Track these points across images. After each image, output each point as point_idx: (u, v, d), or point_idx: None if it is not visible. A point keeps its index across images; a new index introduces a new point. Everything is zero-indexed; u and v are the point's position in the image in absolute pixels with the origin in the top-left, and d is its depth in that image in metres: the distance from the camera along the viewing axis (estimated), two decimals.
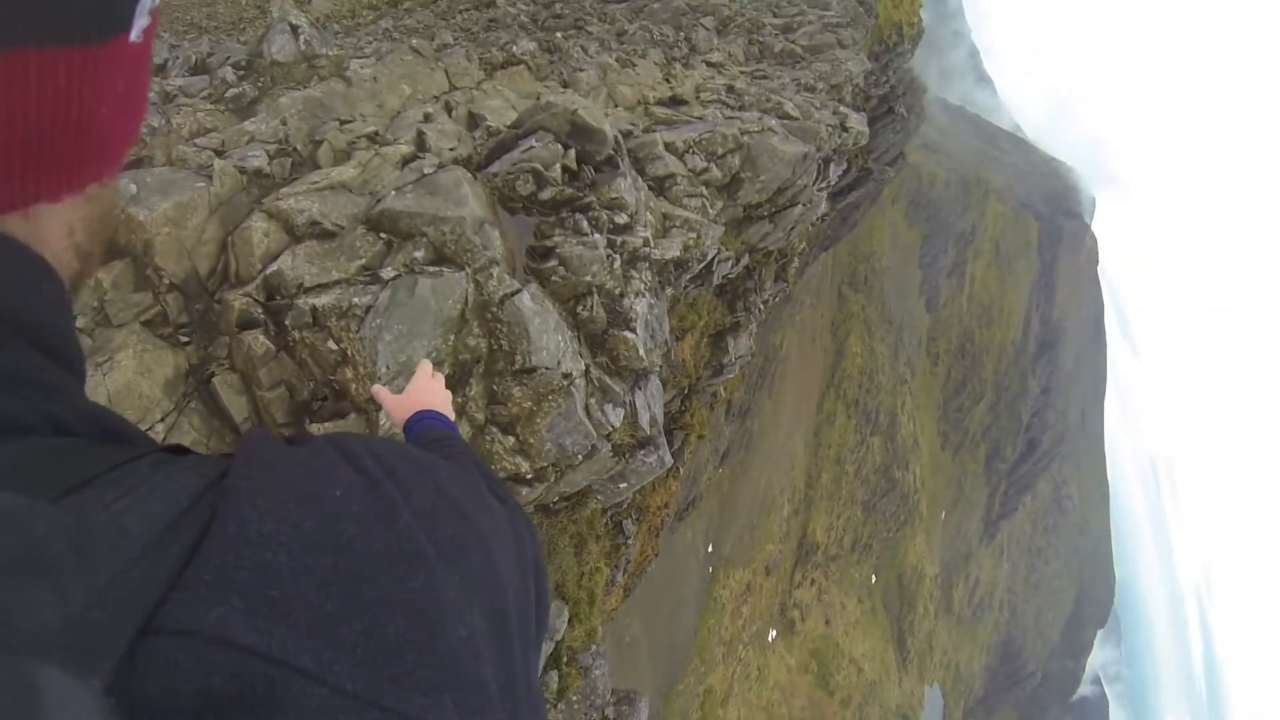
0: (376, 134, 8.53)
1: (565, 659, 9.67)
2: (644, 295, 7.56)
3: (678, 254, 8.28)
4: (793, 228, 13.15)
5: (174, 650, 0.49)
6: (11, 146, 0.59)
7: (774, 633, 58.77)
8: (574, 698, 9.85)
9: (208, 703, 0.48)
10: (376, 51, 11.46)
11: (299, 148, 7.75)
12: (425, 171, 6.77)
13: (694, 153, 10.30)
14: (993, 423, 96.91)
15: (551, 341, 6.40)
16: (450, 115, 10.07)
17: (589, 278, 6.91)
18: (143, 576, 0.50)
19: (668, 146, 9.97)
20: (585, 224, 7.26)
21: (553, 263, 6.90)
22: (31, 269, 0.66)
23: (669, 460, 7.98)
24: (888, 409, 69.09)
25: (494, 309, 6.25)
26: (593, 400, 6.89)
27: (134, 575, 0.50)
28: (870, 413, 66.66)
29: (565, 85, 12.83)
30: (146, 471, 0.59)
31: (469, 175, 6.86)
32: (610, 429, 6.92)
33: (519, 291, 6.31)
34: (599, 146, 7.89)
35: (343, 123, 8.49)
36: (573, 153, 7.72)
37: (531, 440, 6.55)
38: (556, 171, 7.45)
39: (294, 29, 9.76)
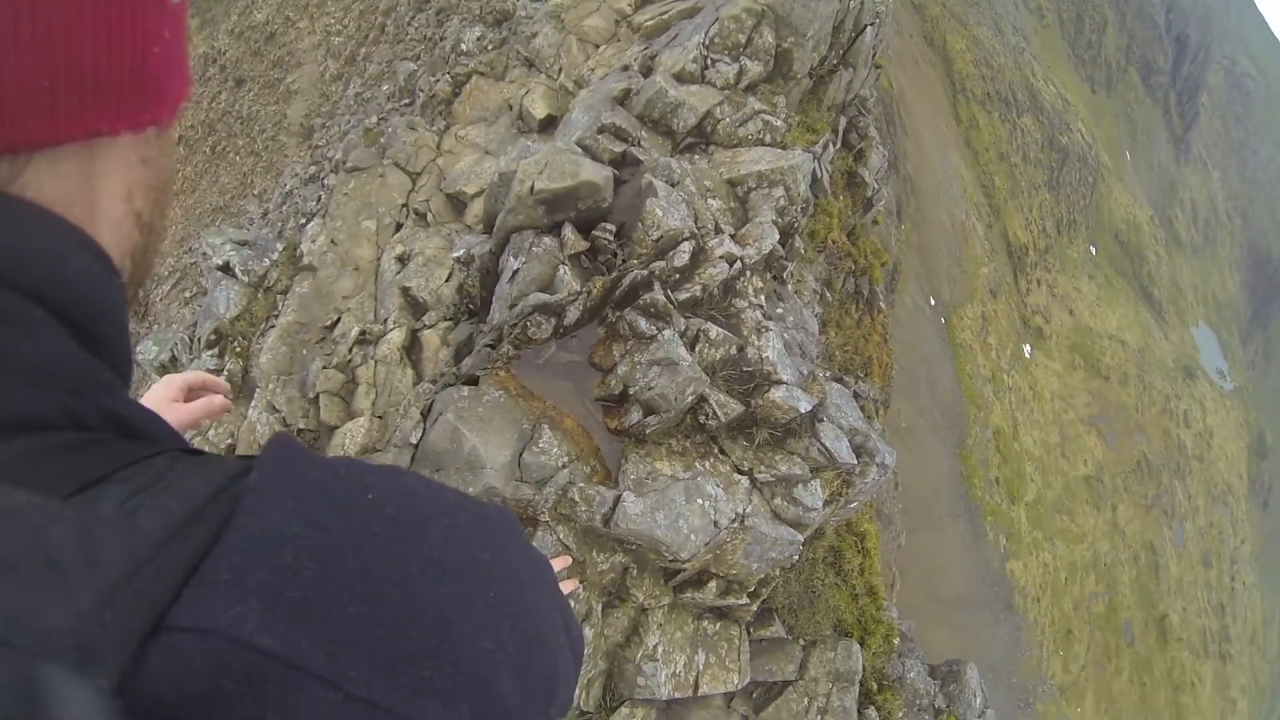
0: (364, 333, 8.58)
1: (875, 688, 8.53)
2: (767, 324, 6.80)
3: (773, 243, 7.26)
4: (874, 52, 11.87)
5: (187, 648, 0.47)
6: (70, 72, 0.57)
7: (1028, 347, 56.30)
8: (900, 714, 8.69)
9: (220, 703, 0.47)
10: (324, 198, 11.30)
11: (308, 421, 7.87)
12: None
13: (715, 58, 9.02)
14: (1129, 41, 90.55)
15: (695, 515, 5.85)
16: (424, 220, 10.09)
17: (689, 392, 6.10)
18: (155, 574, 0.49)
19: (681, 75, 8.85)
20: (642, 321, 6.29)
21: (634, 416, 6.07)
22: (66, 238, 0.62)
23: (891, 461, 7.48)
24: (1021, 84, 64.03)
25: (605, 529, 5.71)
26: (778, 502, 6.42)
27: (146, 573, 0.48)
28: (1006, 97, 61.77)
29: (530, 64, 12.43)
30: (162, 468, 0.58)
31: (493, 394, 6.12)
32: (809, 510, 6.41)
33: (619, 500, 5.74)
34: (597, 194, 6.77)
35: (327, 335, 8.57)
36: (569, 230, 6.63)
37: (733, 572, 6.28)
38: (566, 279, 6.29)
39: (228, 271, 9.56)
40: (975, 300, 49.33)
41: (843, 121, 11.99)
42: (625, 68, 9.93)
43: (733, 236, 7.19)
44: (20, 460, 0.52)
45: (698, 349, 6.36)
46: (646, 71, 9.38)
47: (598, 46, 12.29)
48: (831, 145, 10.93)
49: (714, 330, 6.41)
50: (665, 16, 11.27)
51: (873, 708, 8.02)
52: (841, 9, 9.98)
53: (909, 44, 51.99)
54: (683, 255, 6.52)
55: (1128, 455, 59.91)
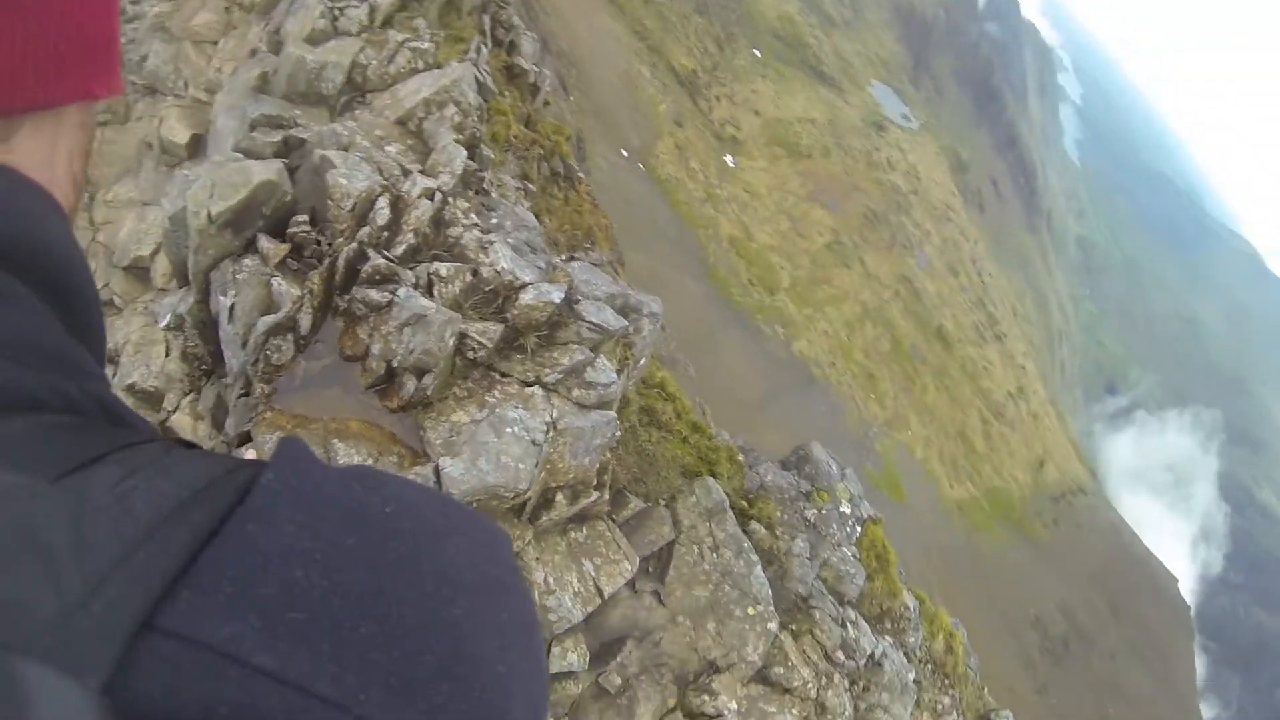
0: None
1: (746, 505, 8.45)
2: (489, 238, 6.64)
3: (463, 161, 7.19)
4: None
5: (178, 656, 0.44)
6: (75, 39, 0.61)
7: (729, 158, 59.62)
8: (778, 514, 8.59)
9: None
10: None
11: None
12: None
13: (341, 6, 8.94)
14: None
15: (513, 445, 5.91)
16: (113, 307, 9.18)
17: (447, 336, 5.97)
18: (147, 562, 0.46)
19: (313, 37, 8.66)
20: (372, 292, 6.14)
21: (409, 385, 5.93)
22: (45, 204, 0.63)
23: (658, 307, 7.45)
24: None
25: None
26: (577, 393, 6.49)
27: (138, 561, 0.45)
28: None
29: (152, 91, 11.67)
30: (158, 453, 0.56)
31: None
32: (607, 386, 6.53)
33: (438, 471, 5.72)
34: (276, 192, 6.52)
35: None
36: (264, 241, 6.38)
37: (570, 476, 6.42)
38: (283, 290, 6.05)
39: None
40: (664, 136, 51.57)
41: (486, 20, 11.56)
42: (253, 52, 9.34)
43: (422, 171, 7.02)
44: (9, 440, 0.50)
45: (436, 291, 6.15)
46: (277, 48, 8.90)
47: (216, 43, 11.37)
48: (483, 46, 10.35)
49: (443, 267, 6.22)
50: None
51: (754, 522, 8.07)
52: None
53: None
54: (383, 212, 6.30)
55: (854, 213, 65.22)
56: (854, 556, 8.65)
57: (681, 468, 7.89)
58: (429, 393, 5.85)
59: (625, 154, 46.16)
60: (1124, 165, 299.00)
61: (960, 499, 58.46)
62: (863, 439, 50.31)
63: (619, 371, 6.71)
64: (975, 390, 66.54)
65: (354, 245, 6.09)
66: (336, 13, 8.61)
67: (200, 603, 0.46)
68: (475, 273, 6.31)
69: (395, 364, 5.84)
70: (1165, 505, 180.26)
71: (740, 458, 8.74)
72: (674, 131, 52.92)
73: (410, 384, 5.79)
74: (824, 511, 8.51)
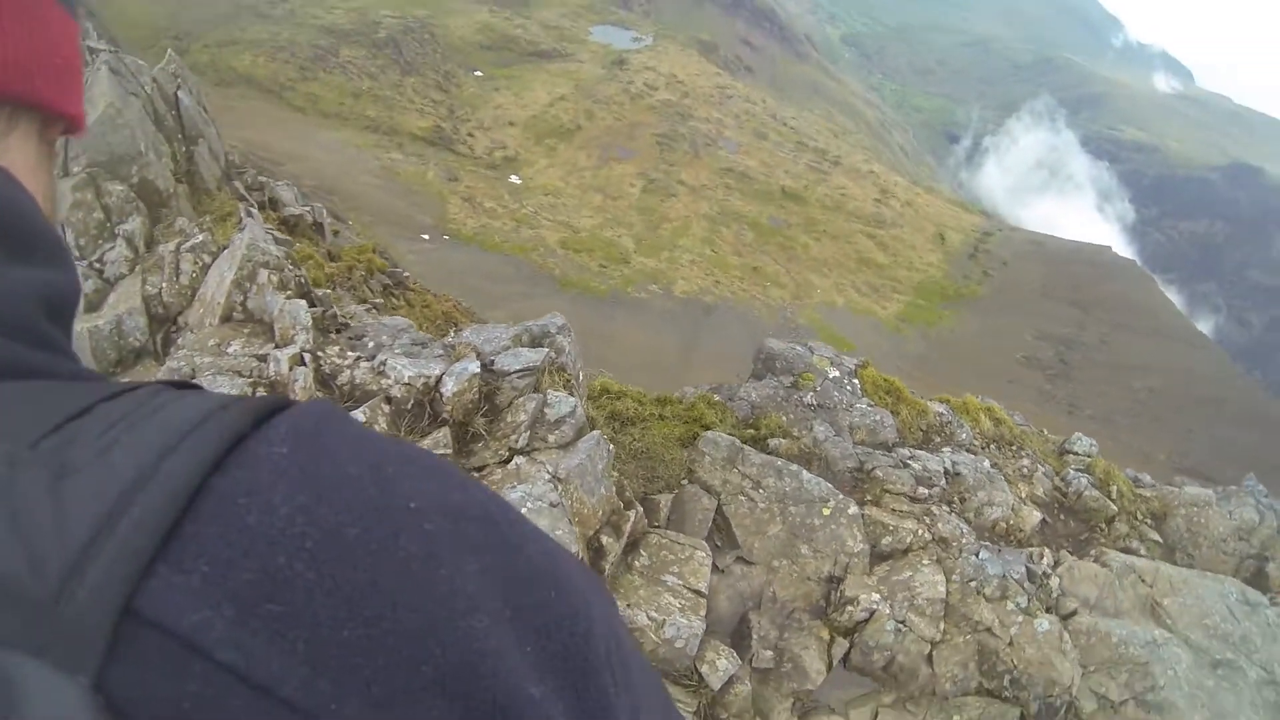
0: None
1: (757, 430, 7.95)
2: None
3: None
4: (203, 108, 10.93)
5: (146, 644, 0.40)
6: (66, 59, 0.66)
7: (513, 176, 58.62)
8: (789, 430, 8.10)
9: None
10: None
11: None
12: None
13: (90, 267, 8.12)
14: None
15: None
16: None
17: None
18: (129, 533, 0.41)
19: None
20: None
21: None
22: (35, 207, 0.64)
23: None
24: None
25: None
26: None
27: (121, 529, 0.41)
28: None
29: None
30: (146, 396, 0.51)
31: None
32: None
33: None
34: None
35: None
36: None
37: None
38: None
39: None
40: (449, 198, 50.33)
41: (238, 187, 11.12)
42: None
43: (276, 346, 6.68)
44: None
45: None
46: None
47: None
48: (252, 210, 9.99)
49: (359, 414, 5.84)
50: None
51: (770, 439, 7.75)
52: (139, 99, 9.02)
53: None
54: None
55: (648, 148, 65.06)
56: (870, 405, 8.47)
57: (678, 441, 7.60)
58: None
59: (426, 237, 44.97)
60: None
61: (898, 311, 59.01)
62: (786, 324, 50.13)
63: (571, 394, 6.43)
64: (847, 218, 67.08)
65: None
66: (99, 266, 7.82)
67: (173, 582, 0.41)
68: (389, 399, 5.92)
69: None
70: (1057, 195, 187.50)
71: (716, 398, 8.43)
72: (454, 189, 51.84)
73: None
74: (819, 388, 8.36)
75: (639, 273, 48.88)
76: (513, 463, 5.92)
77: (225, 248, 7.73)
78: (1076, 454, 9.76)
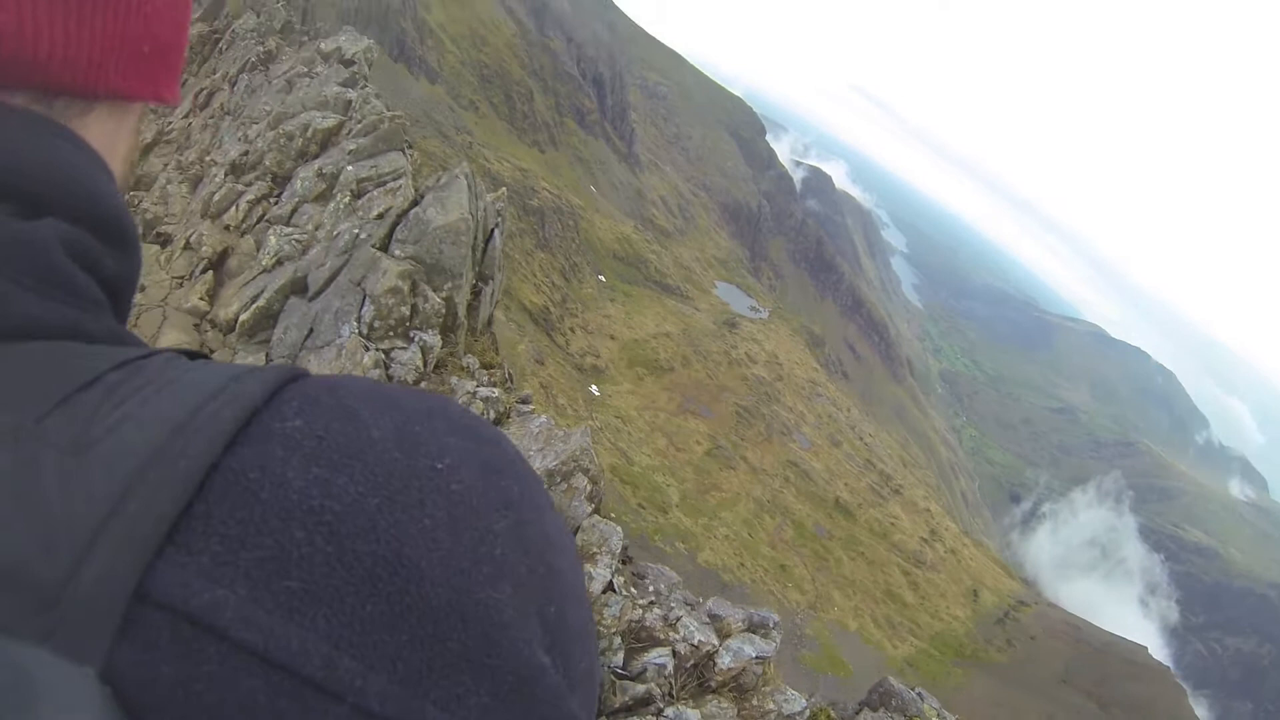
0: None
1: None
2: None
3: None
4: (500, 255, 10.03)
5: (156, 626, 0.38)
6: (159, 43, 0.64)
7: (594, 387, 59.79)
8: None
9: (195, 706, 0.37)
10: None
11: None
12: None
13: (387, 348, 7.32)
14: (556, 99, 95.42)
15: None
16: None
17: None
18: (142, 511, 0.39)
19: None
20: None
21: None
22: (111, 179, 0.63)
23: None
24: (479, 174, 67.24)
25: None
26: None
27: (131, 509, 0.39)
28: None
29: None
30: (159, 367, 0.49)
31: None
32: None
33: None
34: None
35: None
36: None
37: None
38: None
39: None
40: (529, 377, 51.19)
41: (496, 336, 10.52)
42: None
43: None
44: (2, 373, 0.45)
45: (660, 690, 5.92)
46: None
47: None
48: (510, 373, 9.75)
49: (656, 661, 5.85)
50: (260, 300, 8.43)
51: None
52: (474, 224, 8.37)
53: None
54: None
55: (727, 414, 65.64)
56: None
57: None
58: None
59: (499, 353, 45.41)
60: (961, 293, 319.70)
61: (907, 654, 56.17)
62: (791, 629, 48.20)
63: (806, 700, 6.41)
64: (889, 547, 65.35)
65: None
66: (385, 359, 7.04)
67: (184, 563, 0.39)
68: (674, 653, 5.75)
69: None
70: (1102, 578, 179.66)
71: (833, 712, 8.44)
72: (537, 370, 52.92)
73: None
74: None
75: (673, 527, 48.14)
76: None
77: (506, 414, 7.27)
78: None
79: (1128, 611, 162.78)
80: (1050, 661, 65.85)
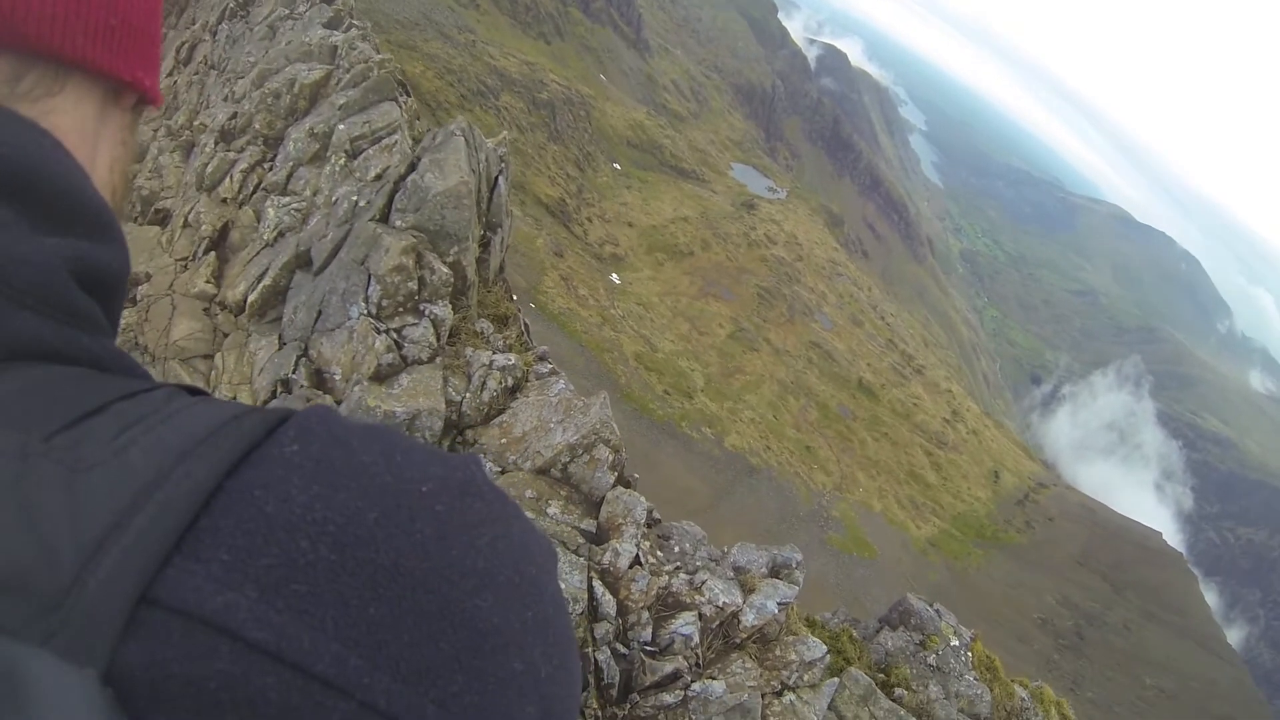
0: None
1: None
2: None
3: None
4: (506, 200, 9.66)
5: (169, 628, 0.40)
6: (130, 22, 0.63)
7: (614, 276, 58.67)
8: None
9: (206, 704, 0.39)
10: None
11: None
12: None
13: (397, 327, 7.09)
14: None
15: None
16: None
17: None
18: (144, 527, 0.42)
19: (379, 373, 6.87)
20: None
21: None
22: (81, 170, 0.61)
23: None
24: (486, 71, 65.43)
25: None
26: None
27: (135, 525, 0.41)
28: (478, 89, 62.85)
29: None
30: (161, 400, 0.51)
31: None
32: None
33: None
34: None
35: None
36: None
37: None
38: None
39: None
40: (548, 271, 50.46)
41: (508, 283, 10.32)
42: (285, 387, 7.30)
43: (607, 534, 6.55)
44: (9, 393, 0.46)
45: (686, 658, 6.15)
46: (318, 380, 7.20)
47: (210, 358, 8.75)
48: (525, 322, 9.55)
49: (682, 626, 6.13)
50: (266, 278, 8.44)
51: (896, 689, 8.37)
52: (474, 177, 8.01)
53: None
54: (608, 601, 6.08)
55: (748, 296, 64.77)
56: (975, 679, 9.06)
57: (827, 668, 8.10)
58: None
59: (514, 298, 44.83)
60: (982, 172, 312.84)
61: (930, 535, 56.87)
62: (818, 510, 48.69)
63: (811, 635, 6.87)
64: (912, 428, 65.44)
65: (606, 653, 5.51)
66: (397, 340, 6.87)
67: (193, 570, 0.42)
68: (700, 615, 6.01)
69: None
70: (1120, 462, 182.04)
71: (854, 633, 9.06)
72: (556, 264, 52.04)
73: None
74: (940, 652, 9.02)
75: (699, 412, 48.00)
76: (786, 698, 6.30)
77: (522, 383, 7.19)
78: None
79: (1143, 496, 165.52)
80: (1067, 544, 66.94)
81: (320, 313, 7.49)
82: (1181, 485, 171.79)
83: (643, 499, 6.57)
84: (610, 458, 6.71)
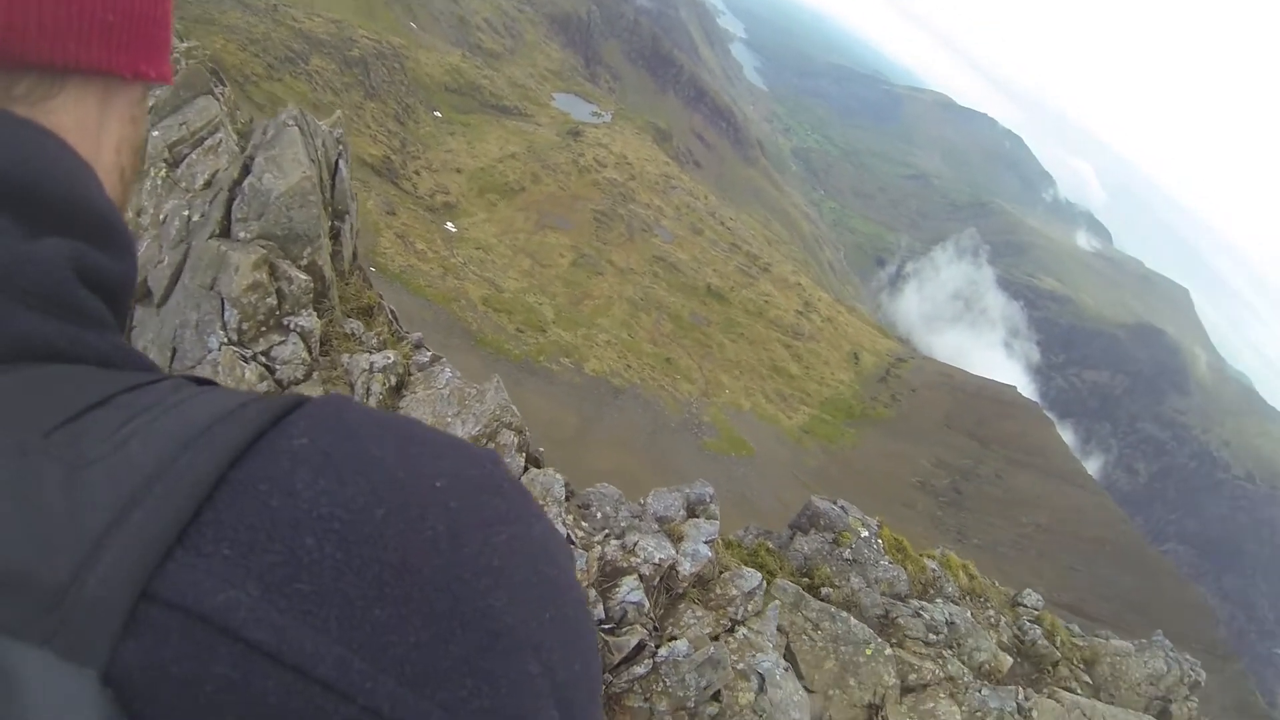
0: None
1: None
2: None
3: None
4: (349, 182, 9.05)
5: (166, 625, 0.39)
6: (128, 13, 0.61)
7: (449, 224, 57.42)
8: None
9: (205, 706, 0.38)
10: None
11: None
12: None
13: (262, 351, 6.51)
14: None
15: None
16: None
17: None
18: (144, 521, 0.40)
19: None
20: None
21: None
22: (84, 167, 0.60)
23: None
24: (291, 36, 61.45)
25: None
26: None
27: (135, 520, 0.40)
28: (284, 55, 59.06)
29: None
30: (166, 391, 0.50)
31: None
32: None
33: None
34: None
35: None
36: None
37: None
38: None
39: None
40: (383, 231, 48.62)
41: (365, 270, 9.42)
42: None
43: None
44: (10, 391, 0.46)
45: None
46: None
47: None
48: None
49: (628, 592, 6.27)
50: None
51: (822, 588, 8.97)
52: (315, 167, 7.25)
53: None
54: None
55: (585, 222, 64.58)
56: (889, 562, 9.72)
57: (766, 593, 8.57)
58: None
59: (373, 285, 43.16)
60: (805, 73, 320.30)
61: (802, 423, 59.12)
62: (689, 419, 49.72)
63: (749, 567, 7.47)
64: (767, 325, 67.47)
65: None
66: (266, 363, 6.32)
67: (194, 564, 0.40)
68: (640, 576, 6.20)
69: (692, 704, 5.97)
70: (968, 328, 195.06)
71: (771, 545, 9.59)
72: (390, 223, 50.27)
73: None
74: (854, 546, 9.61)
75: (554, 344, 47.86)
76: (739, 633, 6.74)
77: (410, 365, 7.01)
78: (1026, 606, 11.54)
79: (994, 356, 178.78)
80: (932, 411, 70.98)
81: (175, 350, 6.81)
82: (1028, 341, 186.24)
83: (558, 476, 6.61)
84: (516, 440, 6.65)
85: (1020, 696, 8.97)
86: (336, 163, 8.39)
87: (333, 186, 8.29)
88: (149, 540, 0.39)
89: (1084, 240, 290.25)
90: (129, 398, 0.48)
